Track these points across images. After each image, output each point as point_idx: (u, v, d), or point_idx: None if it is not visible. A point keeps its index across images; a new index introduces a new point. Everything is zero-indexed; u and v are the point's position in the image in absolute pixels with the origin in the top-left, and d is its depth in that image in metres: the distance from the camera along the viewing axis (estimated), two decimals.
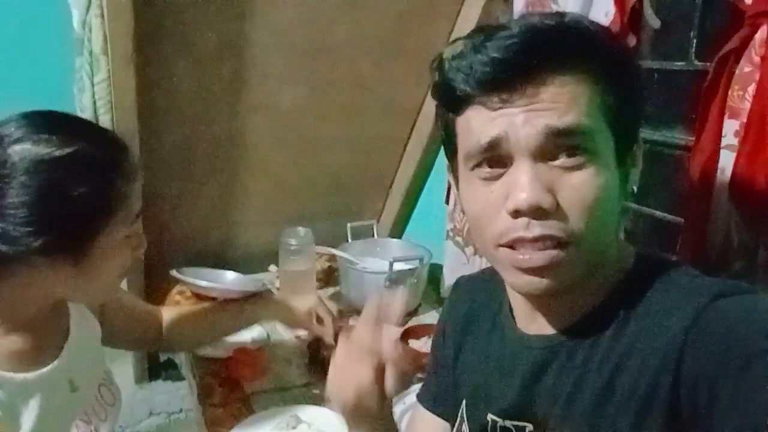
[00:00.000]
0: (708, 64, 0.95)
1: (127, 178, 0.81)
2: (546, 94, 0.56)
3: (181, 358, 1.42)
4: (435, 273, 1.64)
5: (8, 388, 0.77)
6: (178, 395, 1.98)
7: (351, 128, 1.70)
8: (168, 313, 1.19)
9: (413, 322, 1.49)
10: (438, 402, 0.86)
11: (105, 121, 1.43)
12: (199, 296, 1.60)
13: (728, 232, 0.95)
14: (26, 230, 0.72)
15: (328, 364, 1.25)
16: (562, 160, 0.57)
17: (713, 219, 0.97)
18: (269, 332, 1.38)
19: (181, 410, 2.02)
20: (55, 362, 0.85)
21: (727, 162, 0.94)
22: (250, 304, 1.24)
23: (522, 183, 0.56)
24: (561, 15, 0.60)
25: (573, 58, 0.57)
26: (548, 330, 0.66)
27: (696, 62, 1.10)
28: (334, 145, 1.73)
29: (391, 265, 1.48)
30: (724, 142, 0.94)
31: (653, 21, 1.14)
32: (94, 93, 1.43)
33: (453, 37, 1.45)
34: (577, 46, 0.57)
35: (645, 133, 1.20)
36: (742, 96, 0.91)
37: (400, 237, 1.95)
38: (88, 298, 0.91)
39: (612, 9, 1.17)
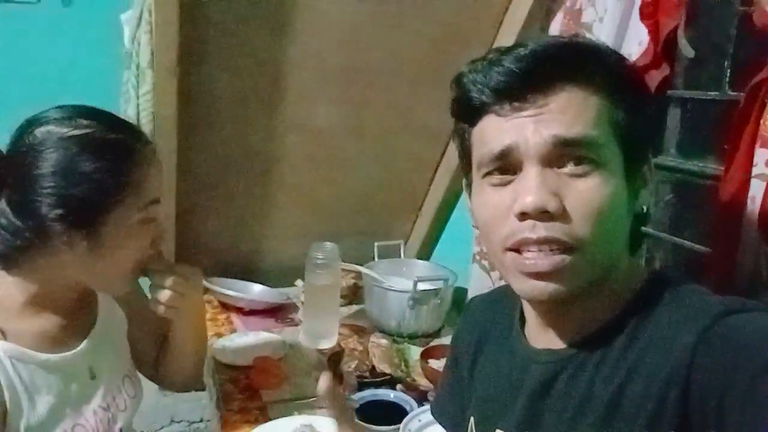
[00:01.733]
0: (742, 94, 0.95)
1: (138, 162, 0.85)
2: (555, 104, 0.59)
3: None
4: (460, 296, 1.64)
5: (30, 364, 0.81)
6: (200, 405, 2.01)
7: (383, 149, 1.73)
8: None
9: (435, 342, 1.48)
10: (453, 418, 0.86)
11: (146, 131, 1.49)
12: (225, 305, 1.64)
13: (757, 263, 0.94)
14: (45, 201, 0.78)
15: (347, 379, 1.27)
16: (570, 168, 0.59)
17: (742, 249, 0.95)
18: (291, 343, 1.40)
19: (201, 420, 2.04)
20: (79, 348, 0.90)
21: (757, 191, 0.92)
22: None
23: (529, 187, 0.58)
24: (575, 36, 0.64)
25: (583, 72, 0.60)
26: (557, 344, 0.67)
27: (730, 92, 1.09)
28: (365, 165, 1.75)
29: (415, 284, 1.49)
30: (755, 171, 0.93)
31: (687, 51, 1.15)
32: (138, 104, 1.49)
33: None
34: (587, 61, 0.61)
35: (677, 162, 1.20)
36: None
37: (427, 259, 1.95)
38: (103, 284, 0.92)
39: (646, 38, 1.18)
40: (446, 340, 1.53)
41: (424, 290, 1.50)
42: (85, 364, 0.90)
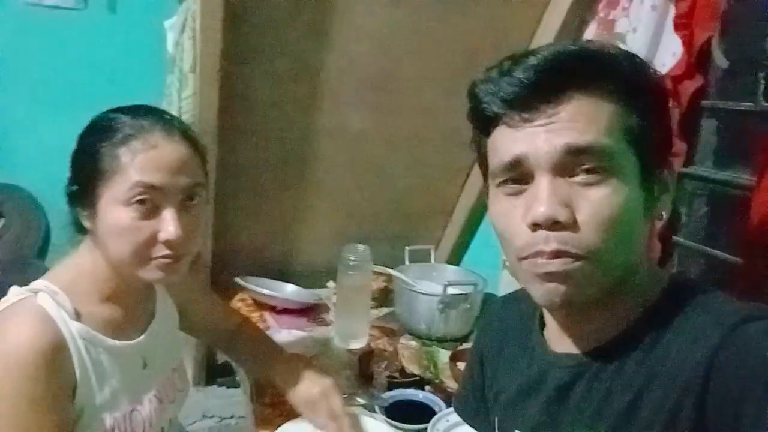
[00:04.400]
0: None
1: (119, 142, 0.83)
2: (565, 112, 0.59)
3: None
4: (489, 302, 1.66)
5: (99, 347, 0.86)
6: (231, 402, 2.05)
7: (416, 155, 1.76)
8: (244, 327, 1.24)
9: (464, 346, 1.50)
10: (475, 415, 0.89)
11: None
12: (259, 304, 1.68)
13: None
14: (69, 181, 0.88)
15: (375, 379, 1.29)
16: (582, 177, 0.59)
17: None
18: (322, 343, 1.43)
19: (232, 416, 2.08)
20: (139, 338, 0.94)
21: None
22: (290, 368, 1.14)
23: (540, 197, 0.58)
24: (588, 42, 0.64)
25: (593, 79, 0.59)
26: (576, 349, 0.68)
27: (764, 103, 1.09)
28: (398, 170, 1.79)
29: (445, 288, 1.51)
30: None
31: (721, 61, 1.15)
32: (180, 107, 1.55)
33: None
34: (598, 67, 0.60)
35: (710, 172, 1.20)
36: None
37: (457, 264, 1.97)
38: (123, 272, 0.88)
39: (680, 49, 1.19)
40: None
41: (454, 295, 1.53)
42: (140, 354, 0.95)
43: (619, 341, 0.63)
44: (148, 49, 1.84)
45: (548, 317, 0.72)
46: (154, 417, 0.95)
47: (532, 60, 0.60)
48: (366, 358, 1.34)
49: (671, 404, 0.56)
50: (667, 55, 1.24)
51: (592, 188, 0.58)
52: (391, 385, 1.27)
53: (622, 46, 1.34)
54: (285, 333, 1.52)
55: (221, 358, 1.67)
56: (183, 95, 1.52)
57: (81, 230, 0.90)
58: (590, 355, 0.66)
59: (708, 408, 0.53)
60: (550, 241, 0.58)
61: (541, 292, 0.62)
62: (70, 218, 0.90)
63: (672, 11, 1.21)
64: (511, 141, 0.61)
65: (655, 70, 0.64)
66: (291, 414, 1.13)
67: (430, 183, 1.86)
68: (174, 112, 1.55)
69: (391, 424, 1.14)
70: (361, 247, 1.47)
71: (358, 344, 1.45)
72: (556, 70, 0.59)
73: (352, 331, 1.47)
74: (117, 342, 0.89)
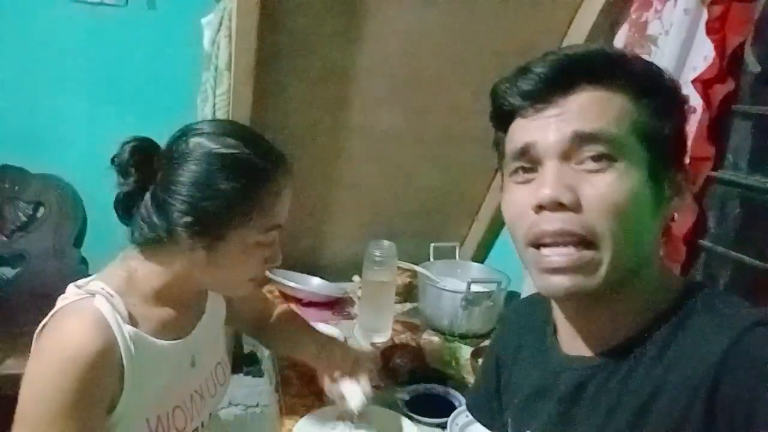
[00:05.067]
0: None
1: (272, 189, 0.89)
2: (576, 103, 0.61)
3: (263, 353, 1.53)
4: (512, 299, 1.67)
5: (151, 351, 0.87)
6: (256, 390, 2.10)
7: (443, 154, 1.78)
8: (278, 312, 1.26)
9: (485, 343, 1.52)
10: (490, 416, 0.90)
11: None
12: (285, 296, 1.72)
13: None
14: (179, 207, 0.84)
15: (398, 373, 1.32)
16: (588, 164, 0.60)
17: None
18: (347, 337, 1.46)
19: (257, 404, 2.13)
20: (188, 337, 0.95)
21: None
22: (327, 348, 1.17)
23: (545, 180, 0.61)
24: (604, 44, 0.65)
25: (605, 72, 0.62)
26: (588, 352, 0.68)
27: None
28: (425, 168, 1.81)
29: (468, 285, 1.52)
30: None
31: (753, 66, 1.15)
32: (214, 104, 1.59)
33: None
34: (610, 63, 0.62)
35: (740, 176, 1.19)
36: None
37: (481, 262, 1.99)
38: (220, 289, 1.01)
39: (712, 53, 1.18)
40: None
41: (477, 292, 1.54)
42: (189, 353, 0.96)
43: (631, 343, 0.63)
44: (185, 45, 1.88)
45: (560, 320, 0.72)
46: (195, 413, 0.96)
47: (550, 57, 0.63)
48: (389, 352, 1.37)
49: (681, 407, 0.56)
50: (699, 59, 1.23)
51: (598, 174, 0.60)
52: (413, 380, 1.29)
53: (653, 48, 1.34)
54: None
55: (247, 347, 1.71)
56: (218, 92, 1.56)
57: (152, 241, 0.87)
58: (602, 357, 0.66)
59: (718, 410, 0.54)
60: (553, 221, 0.60)
61: (545, 283, 0.63)
62: (149, 231, 0.86)
63: (705, 15, 1.20)
64: (524, 130, 0.64)
65: (672, 78, 0.65)
66: (315, 404, 1.17)
67: (457, 181, 1.88)
68: (208, 108, 1.59)
69: (412, 418, 1.16)
70: (386, 243, 1.49)
71: (381, 338, 1.47)
72: (570, 64, 0.62)
73: (375, 326, 1.50)
74: (166, 342, 0.90)
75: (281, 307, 1.28)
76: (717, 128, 1.20)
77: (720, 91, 1.18)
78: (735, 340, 0.55)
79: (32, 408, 0.78)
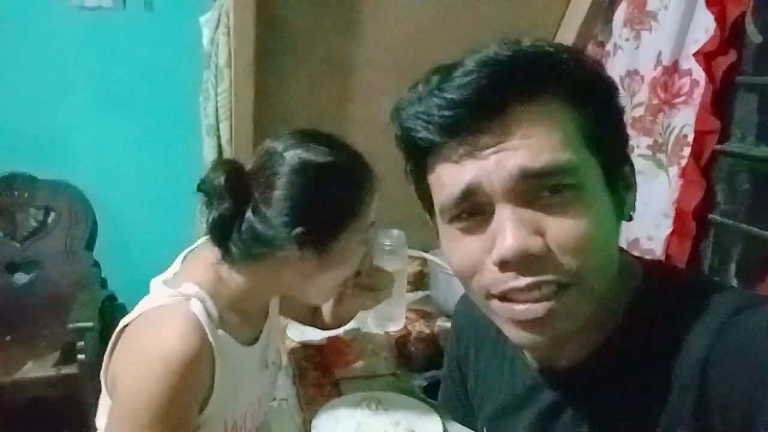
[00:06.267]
0: None
1: (369, 191, 0.94)
2: (513, 130, 0.51)
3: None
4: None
5: (234, 355, 0.89)
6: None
7: None
8: None
9: None
10: (464, 416, 0.88)
11: (224, 127, 1.60)
12: None
13: None
14: (286, 219, 0.86)
15: (413, 359, 1.32)
16: (546, 200, 0.52)
17: None
18: (360, 326, 1.47)
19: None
20: (261, 340, 0.97)
21: None
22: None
23: (506, 229, 0.51)
24: (518, 42, 0.55)
25: (537, 85, 0.52)
26: (563, 364, 0.62)
27: None
28: None
29: None
30: None
31: (755, 36, 1.14)
32: (216, 102, 1.60)
33: None
34: (539, 71, 0.52)
35: (747, 148, 1.18)
36: None
37: None
38: (311, 295, 0.99)
39: (712, 25, 1.18)
40: None
41: None
42: (263, 355, 0.99)
43: (606, 350, 0.58)
44: (184, 45, 1.89)
45: None
46: (261, 413, 0.98)
47: (463, 75, 0.52)
48: (403, 339, 1.38)
49: (669, 409, 0.53)
50: (700, 32, 1.22)
51: (561, 210, 0.51)
52: (429, 366, 1.30)
53: (653, 23, 1.33)
54: None
55: None
56: (219, 89, 1.57)
57: (255, 257, 0.88)
58: (578, 370, 0.61)
59: (711, 408, 0.51)
60: (523, 275, 0.52)
61: (519, 336, 0.55)
62: (256, 246, 0.87)
63: None
64: (457, 171, 0.54)
65: (595, 60, 0.58)
66: (332, 394, 1.18)
67: None
68: (211, 106, 1.60)
69: (429, 403, 1.17)
70: (396, 232, 1.49)
71: (395, 327, 1.48)
72: (493, 84, 0.51)
73: (389, 315, 1.50)
74: (245, 347, 0.93)
75: None
76: (721, 101, 1.19)
77: (722, 63, 1.17)
78: (717, 332, 0.51)
79: (131, 411, 0.79)
